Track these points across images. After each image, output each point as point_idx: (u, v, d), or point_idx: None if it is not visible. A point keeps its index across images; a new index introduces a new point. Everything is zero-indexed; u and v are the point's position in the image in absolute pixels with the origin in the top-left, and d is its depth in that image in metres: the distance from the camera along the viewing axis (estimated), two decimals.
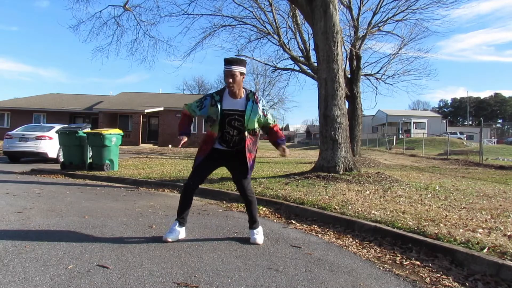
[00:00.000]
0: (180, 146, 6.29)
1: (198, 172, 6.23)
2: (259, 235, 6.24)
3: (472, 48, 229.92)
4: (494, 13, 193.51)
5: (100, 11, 27.37)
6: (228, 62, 5.98)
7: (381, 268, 5.12)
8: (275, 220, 8.00)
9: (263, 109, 6.20)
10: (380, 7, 29.71)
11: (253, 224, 6.34)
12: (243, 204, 9.01)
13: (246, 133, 6.11)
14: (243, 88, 6.15)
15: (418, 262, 5.33)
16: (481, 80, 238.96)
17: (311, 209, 8.27)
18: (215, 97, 6.08)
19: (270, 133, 6.47)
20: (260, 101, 6.20)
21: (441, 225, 6.61)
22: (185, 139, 6.27)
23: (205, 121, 6.30)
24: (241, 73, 5.98)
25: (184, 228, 6.26)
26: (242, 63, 6.06)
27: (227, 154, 6.20)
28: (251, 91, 6.22)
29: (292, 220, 7.91)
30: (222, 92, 6.16)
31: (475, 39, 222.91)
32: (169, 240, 5.95)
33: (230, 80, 5.91)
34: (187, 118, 6.46)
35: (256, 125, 6.21)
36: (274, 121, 6.46)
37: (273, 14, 29.82)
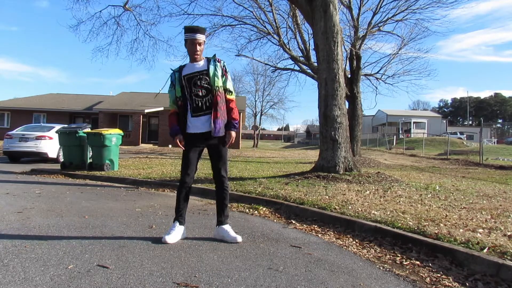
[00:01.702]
0: (181, 147, 6.28)
1: (186, 165, 6.23)
2: (234, 232, 6.21)
3: (471, 48, 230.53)
4: (493, 14, 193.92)
5: (100, 11, 27.42)
6: (193, 30, 6.12)
7: (381, 268, 5.11)
8: (275, 220, 7.99)
9: (223, 67, 6.27)
10: (380, 7, 29.76)
11: (227, 218, 6.34)
12: (243, 204, 9.03)
13: (215, 91, 6.11)
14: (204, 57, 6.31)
15: (418, 262, 5.32)
16: (481, 80, 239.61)
17: (311, 209, 8.26)
18: (175, 72, 6.29)
19: (229, 108, 6.33)
20: (222, 61, 6.31)
21: (441, 225, 6.60)
22: (180, 137, 6.23)
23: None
24: (204, 42, 6.16)
25: (183, 227, 6.23)
26: (204, 31, 6.21)
27: (204, 136, 6.16)
28: (213, 56, 6.34)
29: (292, 220, 7.89)
30: (182, 66, 6.32)
31: (474, 39, 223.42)
32: (169, 242, 5.90)
33: (197, 48, 6.06)
34: (174, 115, 6.37)
35: (221, 84, 6.20)
36: (232, 92, 6.38)
37: (273, 14, 29.88)
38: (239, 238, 6.08)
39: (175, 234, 6.05)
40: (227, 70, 6.31)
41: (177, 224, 6.16)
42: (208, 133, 6.10)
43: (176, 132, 6.23)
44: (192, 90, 6.09)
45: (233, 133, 6.21)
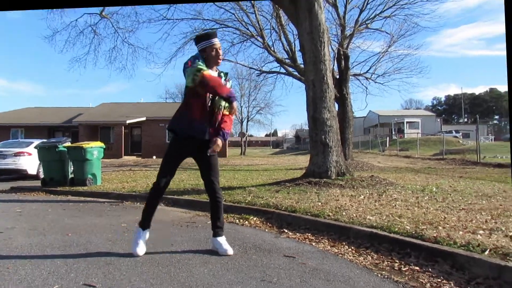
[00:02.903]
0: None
1: (170, 169, 6.25)
2: (227, 245, 6.20)
3: (463, 43, 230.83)
4: (483, 6, 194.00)
5: (76, 20, 27.57)
6: (210, 36, 6.15)
7: (379, 275, 5.11)
8: (266, 230, 7.99)
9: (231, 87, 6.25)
10: (367, 4, 29.93)
11: (220, 230, 6.32)
12: (232, 215, 9.02)
13: (217, 109, 6.15)
14: None
15: (417, 268, 5.33)
16: (474, 75, 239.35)
17: (303, 217, 8.26)
18: (201, 60, 6.10)
19: (221, 121, 6.31)
20: (231, 81, 6.39)
21: (440, 228, 6.62)
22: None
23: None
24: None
25: (147, 231, 6.26)
26: (217, 34, 6.26)
27: (197, 142, 6.13)
28: (226, 72, 6.36)
29: (284, 229, 7.88)
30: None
31: (464, 33, 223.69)
32: (141, 254, 5.95)
33: (221, 53, 6.12)
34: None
35: (223, 103, 6.19)
36: (230, 110, 6.31)
37: (256, 16, 29.89)
38: (230, 251, 6.06)
39: (142, 242, 6.10)
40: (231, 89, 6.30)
41: (142, 230, 6.18)
42: (201, 140, 6.08)
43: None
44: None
45: (219, 141, 6.11)
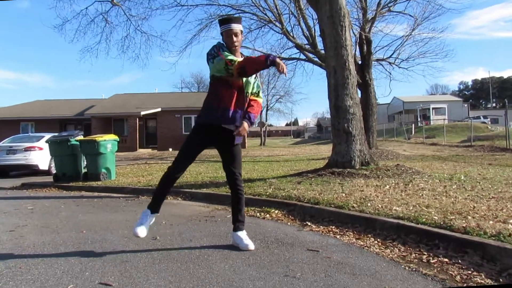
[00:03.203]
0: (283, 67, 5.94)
1: (188, 158, 6.29)
2: (248, 239, 6.21)
3: (489, 24, 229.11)
4: None
5: (86, 8, 27.39)
6: (226, 21, 6.15)
7: (407, 268, 5.10)
8: (289, 223, 7.99)
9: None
10: None
11: (241, 224, 6.33)
12: (253, 208, 9.01)
13: (246, 96, 6.17)
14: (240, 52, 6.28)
15: (446, 259, 5.30)
16: (502, 58, 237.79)
17: (327, 209, 8.25)
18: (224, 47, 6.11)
19: (249, 105, 6.39)
20: None
21: (469, 217, 6.58)
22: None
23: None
24: (241, 31, 6.16)
25: (154, 215, 6.33)
26: (239, 20, 6.25)
27: (224, 131, 6.10)
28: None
29: (307, 222, 7.88)
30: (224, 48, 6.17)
31: (491, 15, 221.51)
32: (142, 236, 5.98)
33: (234, 39, 6.04)
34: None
35: (250, 89, 6.27)
36: (260, 95, 6.51)
37: (273, 0, 29.72)
38: (251, 246, 6.07)
39: (147, 224, 6.13)
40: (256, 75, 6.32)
41: (150, 213, 6.24)
42: (227, 130, 6.07)
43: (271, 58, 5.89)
44: None
45: (245, 124, 6.17)
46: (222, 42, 6.19)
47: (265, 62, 5.74)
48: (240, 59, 5.92)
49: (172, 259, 5.66)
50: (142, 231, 5.98)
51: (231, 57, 5.87)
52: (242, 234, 6.24)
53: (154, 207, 6.25)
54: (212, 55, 6.01)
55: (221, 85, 6.02)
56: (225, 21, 6.12)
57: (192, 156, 6.26)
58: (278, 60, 5.74)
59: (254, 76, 6.22)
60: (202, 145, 6.26)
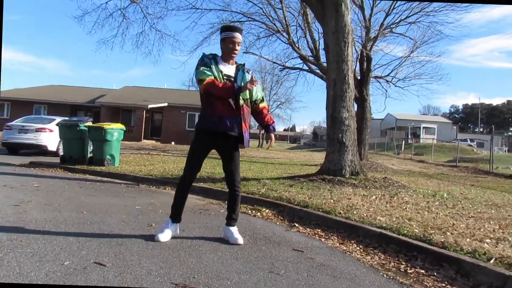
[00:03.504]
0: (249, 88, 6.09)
1: (196, 165, 6.22)
2: (238, 234, 6.20)
3: (484, 53, 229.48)
4: (506, 19, 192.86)
5: (106, 2, 27.33)
6: (233, 29, 6.18)
7: (385, 275, 5.10)
8: (277, 223, 8.00)
9: (253, 78, 6.12)
10: (393, 8, 29.68)
11: (233, 221, 6.33)
12: (245, 205, 9.03)
13: (241, 102, 6.08)
14: None
15: (423, 271, 5.31)
16: (493, 86, 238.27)
17: (315, 213, 8.26)
18: (210, 57, 6.11)
19: (259, 115, 6.44)
20: (251, 72, 6.25)
21: (448, 233, 6.59)
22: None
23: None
24: (240, 43, 6.15)
25: (177, 225, 6.24)
26: (242, 32, 6.22)
27: (225, 136, 6.08)
28: (242, 63, 6.29)
29: (295, 223, 7.88)
30: (215, 56, 6.17)
31: (486, 45, 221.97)
32: (162, 240, 5.91)
33: (237, 47, 6.04)
34: (215, 80, 6.07)
35: (248, 95, 6.21)
36: (262, 99, 6.45)
37: (283, 12, 29.76)
38: (240, 240, 6.07)
39: (169, 233, 6.06)
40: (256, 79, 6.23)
41: (171, 222, 6.16)
42: (228, 134, 6.04)
43: (236, 88, 5.99)
44: None
45: (272, 136, 6.54)
46: (206, 54, 6.19)
47: (232, 90, 5.87)
48: (207, 80, 5.89)
49: (165, 246, 5.66)
50: (163, 236, 5.97)
51: (202, 76, 5.90)
52: (234, 229, 6.24)
53: (174, 217, 6.20)
54: (196, 66, 6.06)
55: (214, 96, 6.01)
56: (231, 29, 6.15)
57: (198, 160, 6.22)
58: (244, 87, 5.91)
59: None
60: (206, 148, 6.22)
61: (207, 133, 6.09)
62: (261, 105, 6.40)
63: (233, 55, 6.09)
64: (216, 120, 5.97)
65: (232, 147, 6.21)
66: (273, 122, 6.48)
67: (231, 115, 6.00)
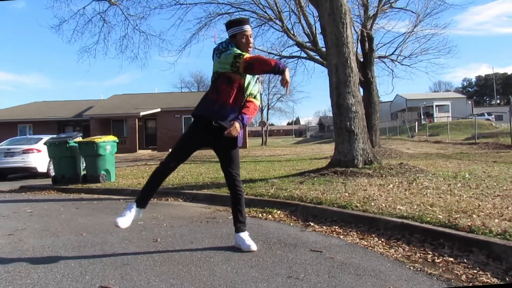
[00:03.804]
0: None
1: (182, 154, 6.34)
2: (251, 240, 6.19)
3: (492, 20, 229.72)
4: None
5: (84, 8, 27.42)
6: (240, 22, 6.12)
7: (412, 268, 5.10)
8: (291, 224, 7.99)
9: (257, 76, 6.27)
10: None
11: (242, 225, 6.30)
12: (255, 208, 9.02)
13: (246, 97, 6.14)
14: None
15: (451, 259, 5.30)
16: (506, 54, 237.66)
17: (330, 209, 8.25)
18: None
19: (244, 105, 6.28)
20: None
21: (474, 216, 6.58)
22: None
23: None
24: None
25: (141, 210, 6.24)
26: (249, 22, 6.25)
27: (220, 130, 6.01)
28: None
29: (310, 222, 7.87)
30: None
31: (493, 11, 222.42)
32: (122, 226, 5.88)
33: (251, 40, 6.08)
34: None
35: (251, 90, 6.24)
36: (255, 96, 6.39)
37: None
38: (253, 247, 6.06)
39: (130, 217, 6.02)
40: (258, 78, 6.30)
41: (136, 206, 6.14)
42: (222, 129, 5.98)
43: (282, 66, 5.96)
44: None
45: (237, 124, 5.99)
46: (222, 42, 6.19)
47: (274, 66, 5.74)
48: (249, 54, 5.94)
49: (174, 262, 5.66)
50: (123, 221, 5.90)
51: (236, 52, 5.88)
52: (244, 235, 6.23)
53: (140, 202, 6.20)
54: (220, 50, 6.02)
55: (222, 81, 6.01)
56: (239, 23, 6.10)
57: (185, 150, 6.28)
58: (287, 72, 5.77)
59: (256, 78, 6.22)
60: (196, 138, 6.23)
61: (200, 121, 6.13)
62: (254, 100, 6.33)
63: (249, 49, 6.09)
64: (216, 108, 5.99)
65: (228, 145, 6.20)
66: (247, 115, 6.19)
67: (233, 106, 6.01)
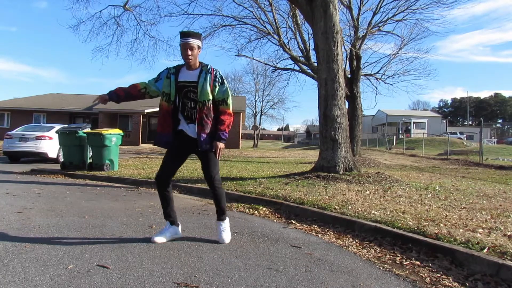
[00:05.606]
0: (93, 101, 6.50)
1: (167, 164, 6.17)
2: (225, 232, 6.20)
3: (469, 48, 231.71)
4: (489, 14, 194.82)
5: (100, 11, 27.39)
6: (186, 35, 5.97)
7: (381, 268, 5.13)
8: (275, 220, 8.00)
9: (215, 79, 6.05)
10: (380, 7, 29.86)
11: (221, 215, 6.28)
12: (243, 204, 9.02)
13: (201, 105, 5.97)
14: (200, 62, 6.15)
15: (418, 262, 5.33)
16: (480, 80, 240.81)
17: (311, 209, 8.28)
18: (171, 70, 6.14)
19: (217, 118, 6.14)
20: (216, 71, 6.10)
21: (441, 225, 6.61)
22: (106, 97, 6.40)
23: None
24: (198, 47, 6.02)
25: (176, 227, 6.23)
26: (198, 36, 6.09)
27: (192, 140, 6.05)
28: (207, 64, 6.16)
29: (292, 220, 7.90)
30: (179, 67, 6.17)
31: (471, 40, 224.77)
32: (157, 241, 5.90)
33: (189, 52, 5.91)
34: (131, 87, 6.42)
35: (210, 97, 6.03)
36: (227, 102, 6.15)
37: (273, 14, 29.90)
38: (227, 240, 6.12)
39: (165, 234, 6.07)
40: (222, 81, 6.11)
41: (168, 224, 6.19)
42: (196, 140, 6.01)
43: (112, 95, 6.45)
44: (183, 100, 6.02)
45: (221, 144, 6.06)
46: (169, 67, 6.27)
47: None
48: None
49: (165, 247, 5.68)
50: (158, 238, 5.99)
51: (144, 84, 6.36)
52: (223, 225, 6.23)
53: (166, 218, 6.22)
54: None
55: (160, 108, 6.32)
56: (184, 35, 5.99)
57: (170, 161, 6.20)
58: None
59: (212, 82, 6.01)
60: (179, 155, 6.27)
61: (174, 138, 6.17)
62: (221, 107, 6.15)
63: (188, 61, 5.99)
64: (182, 124, 6.17)
65: (202, 153, 6.14)
66: (225, 130, 6.13)
67: (190, 124, 6.09)
